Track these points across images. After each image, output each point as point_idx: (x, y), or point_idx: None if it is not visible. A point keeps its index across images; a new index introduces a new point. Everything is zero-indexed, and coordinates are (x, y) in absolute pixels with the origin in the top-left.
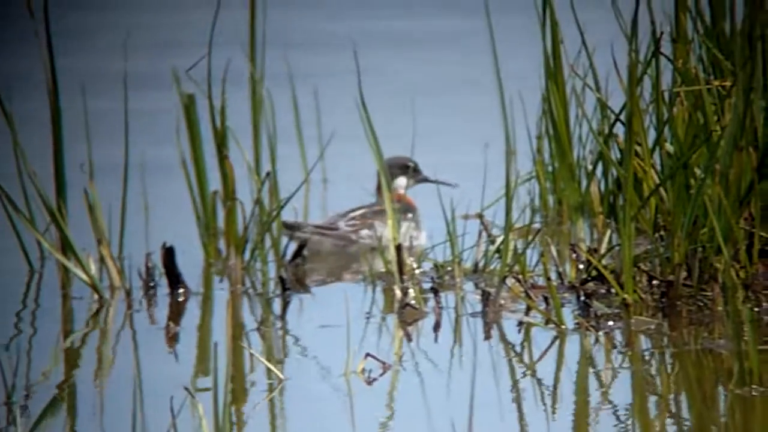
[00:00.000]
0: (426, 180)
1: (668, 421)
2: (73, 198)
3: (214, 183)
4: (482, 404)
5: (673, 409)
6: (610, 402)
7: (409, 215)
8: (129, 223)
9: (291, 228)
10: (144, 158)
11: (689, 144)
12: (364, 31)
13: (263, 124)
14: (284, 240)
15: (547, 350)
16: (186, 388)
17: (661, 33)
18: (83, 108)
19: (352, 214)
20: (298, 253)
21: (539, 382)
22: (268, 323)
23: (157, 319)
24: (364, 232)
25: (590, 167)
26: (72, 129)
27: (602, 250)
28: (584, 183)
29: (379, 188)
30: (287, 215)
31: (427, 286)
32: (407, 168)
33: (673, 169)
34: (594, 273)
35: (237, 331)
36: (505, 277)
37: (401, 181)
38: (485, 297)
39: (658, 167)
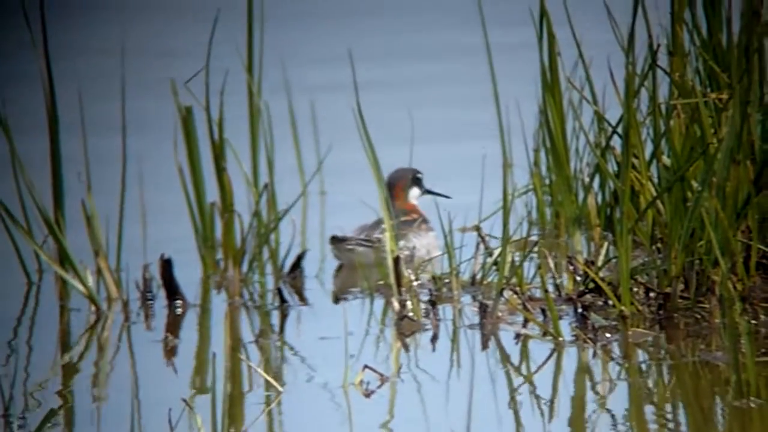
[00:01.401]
0: (429, 192)
1: None
2: (71, 210)
3: (212, 195)
4: (480, 416)
5: (671, 422)
6: (608, 414)
7: (431, 225)
8: (126, 234)
9: (339, 241)
10: (142, 170)
11: (686, 157)
12: (360, 39)
13: (261, 136)
14: (282, 252)
15: (544, 362)
16: (184, 400)
17: (658, 45)
18: (80, 119)
19: (384, 226)
20: (296, 265)
21: (537, 394)
22: (266, 335)
23: (155, 330)
24: (401, 243)
25: (587, 180)
26: (69, 140)
27: (599, 263)
28: (581, 195)
29: (391, 198)
30: (285, 228)
31: (424, 298)
32: (418, 179)
33: (670, 181)
34: (591, 285)
35: (235, 343)
36: (503, 290)
37: (415, 192)
38: (483, 309)
39: (655, 180)
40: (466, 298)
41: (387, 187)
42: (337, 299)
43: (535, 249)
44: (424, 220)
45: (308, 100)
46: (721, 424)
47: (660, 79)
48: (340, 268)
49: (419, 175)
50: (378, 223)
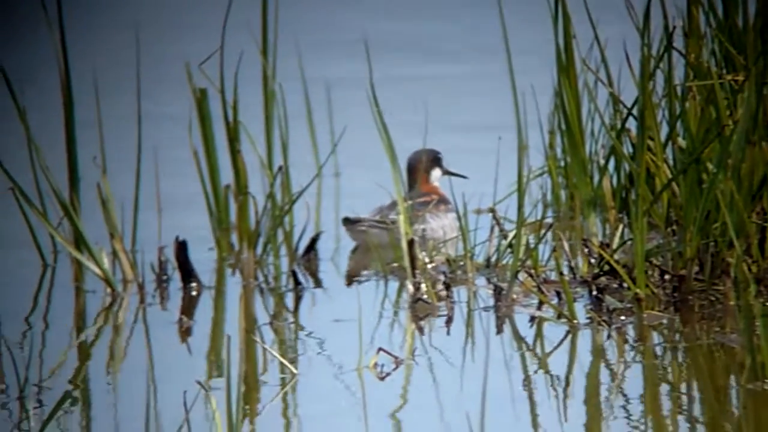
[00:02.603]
0: (447, 172)
1: (680, 415)
2: (86, 192)
3: (227, 177)
4: (494, 398)
5: (685, 404)
6: (622, 396)
7: (450, 206)
8: (141, 217)
9: (352, 223)
10: (157, 152)
11: (702, 138)
12: (374, 20)
13: (275, 119)
14: (296, 234)
15: (559, 345)
16: (199, 382)
17: (674, 27)
18: (96, 101)
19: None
20: (310, 247)
21: (551, 376)
22: (281, 317)
23: (170, 312)
24: (416, 225)
25: (602, 162)
26: (84, 123)
27: (614, 245)
28: (596, 178)
29: (413, 181)
30: (300, 210)
31: (439, 280)
32: (439, 160)
33: (686, 163)
34: (606, 268)
35: (249, 325)
36: (518, 272)
37: (437, 172)
38: (497, 292)
39: (671, 162)
40: (481, 281)
41: (407, 170)
42: (350, 281)
43: (550, 231)
44: (444, 201)
45: (323, 82)
46: (735, 406)
47: (675, 60)
48: (356, 249)
49: (439, 156)
50: (395, 204)
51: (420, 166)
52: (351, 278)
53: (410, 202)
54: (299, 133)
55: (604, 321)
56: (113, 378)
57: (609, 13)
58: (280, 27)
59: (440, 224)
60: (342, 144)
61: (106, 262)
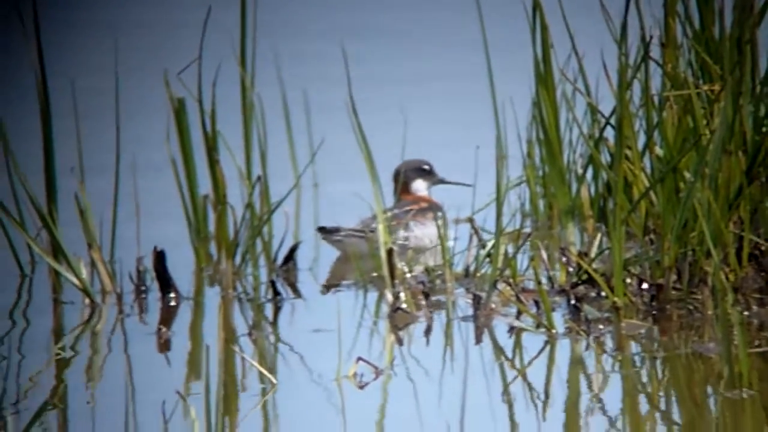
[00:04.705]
0: (442, 181)
1: (659, 424)
2: (64, 202)
3: (205, 187)
4: (473, 408)
5: (664, 413)
6: (601, 406)
7: (440, 214)
8: (120, 227)
9: (328, 232)
10: (135, 162)
11: (679, 148)
12: (353, 32)
13: (254, 128)
14: (275, 244)
15: (537, 354)
16: (178, 393)
17: (651, 37)
18: (73, 111)
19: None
20: (289, 257)
21: (530, 386)
22: (260, 328)
23: (149, 323)
24: (401, 233)
25: (580, 171)
26: (62, 132)
27: (592, 254)
28: (574, 187)
29: (396, 190)
30: (278, 220)
31: (418, 290)
32: (423, 171)
33: (663, 172)
34: (584, 277)
35: (229, 335)
36: (496, 281)
37: (419, 183)
38: (476, 301)
39: (648, 171)
40: (460, 290)
41: (392, 180)
42: (326, 289)
43: (529, 241)
44: (433, 209)
45: (301, 91)
46: (713, 414)
47: (653, 70)
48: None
49: (425, 167)
50: None
51: (399, 177)
52: (326, 288)
53: (395, 211)
54: (278, 143)
55: (582, 330)
56: (92, 389)
57: (587, 24)
58: (258, 29)
59: (425, 232)
60: (321, 153)
61: (85, 273)
